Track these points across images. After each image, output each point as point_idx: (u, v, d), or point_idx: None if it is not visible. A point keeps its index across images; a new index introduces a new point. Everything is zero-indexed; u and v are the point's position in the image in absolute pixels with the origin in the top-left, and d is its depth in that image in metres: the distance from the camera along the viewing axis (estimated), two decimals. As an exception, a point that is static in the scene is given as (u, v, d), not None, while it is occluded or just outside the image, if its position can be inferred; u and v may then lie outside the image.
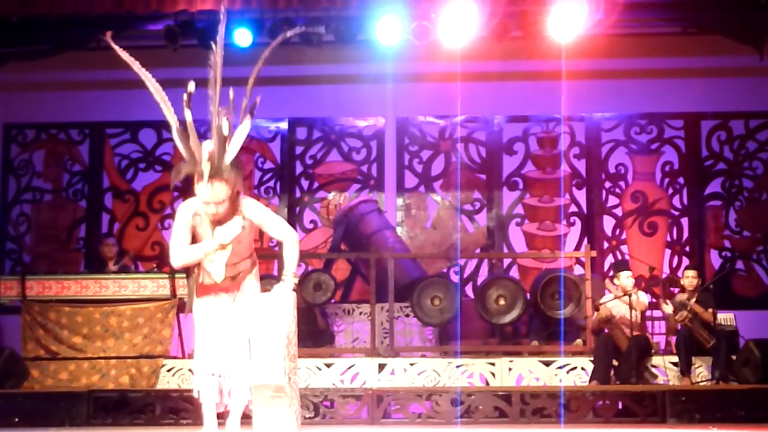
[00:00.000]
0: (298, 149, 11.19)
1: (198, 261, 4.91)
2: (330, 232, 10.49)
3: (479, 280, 10.46)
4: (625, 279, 8.52)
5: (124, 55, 4.76)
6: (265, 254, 9.49)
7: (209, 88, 4.70)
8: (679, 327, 8.35)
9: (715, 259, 10.72)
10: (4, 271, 10.84)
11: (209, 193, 4.69)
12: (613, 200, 10.90)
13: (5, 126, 11.26)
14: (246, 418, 5.04)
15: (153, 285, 8.89)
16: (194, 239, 4.91)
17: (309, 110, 10.99)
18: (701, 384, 8.14)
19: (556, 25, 9.31)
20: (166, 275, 8.84)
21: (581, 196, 10.92)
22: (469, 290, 10.57)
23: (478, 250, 10.96)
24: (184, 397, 7.44)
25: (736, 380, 8.05)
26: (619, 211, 10.90)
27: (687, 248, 10.76)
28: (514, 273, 10.59)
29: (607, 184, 10.92)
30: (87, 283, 8.96)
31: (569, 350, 8.63)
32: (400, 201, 11.02)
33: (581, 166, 10.96)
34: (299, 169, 11.17)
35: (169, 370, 8.64)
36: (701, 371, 8.30)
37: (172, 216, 4.84)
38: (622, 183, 10.92)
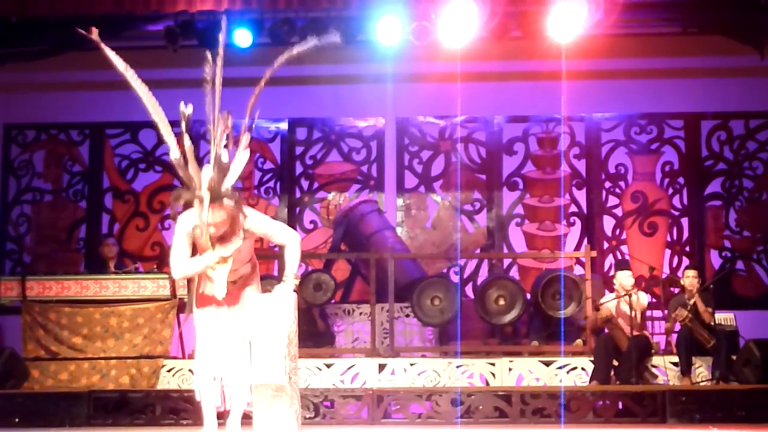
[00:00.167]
0: (298, 149, 11.20)
1: (199, 273, 4.95)
2: (330, 233, 10.49)
3: (479, 281, 10.46)
4: (624, 278, 8.52)
5: (118, 61, 4.76)
6: (266, 255, 9.49)
7: (207, 112, 4.72)
8: (678, 327, 8.35)
9: (715, 260, 10.72)
10: (4, 271, 10.84)
11: (209, 218, 4.72)
12: (613, 200, 10.90)
13: (5, 126, 11.26)
14: (246, 418, 5.05)
15: (153, 285, 8.89)
16: (195, 250, 4.93)
17: (309, 110, 11.00)
18: (701, 384, 8.13)
19: (556, 25, 9.31)
20: (166, 275, 8.83)
21: (581, 196, 10.92)
22: (469, 290, 10.56)
23: (478, 251, 10.96)
24: (185, 397, 7.44)
25: (737, 380, 8.05)
26: (619, 211, 10.90)
27: (687, 248, 10.76)
28: (514, 273, 10.59)
29: (607, 184, 10.92)
30: (87, 284, 8.95)
31: (569, 350, 8.63)
32: (400, 201, 11.02)
33: (581, 166, 10.96)
34: (299, 169, 11.18)
35: (169, 371, 8.64)
36: (701, 371, 8.30)
37: (171, 216, 4.83)
38: (622, 183, 10.92)
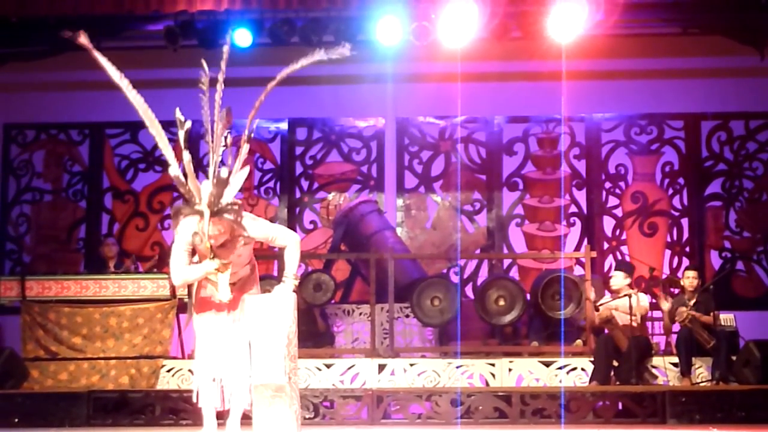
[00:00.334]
0: (298, 150, 11.19)
1: (199, 279, 4.96)
2: (330, 233, 10.48)
3: (479, 281, 10.46)
4: (615, 279, 8.51)
5: (112, 70, 4.76)
6: (265, 255, 9.49)
7: (205, 129, 4.73)
8: (678, 327, 8.34)
9: (715, 260, 10.72)
10: (3, 271, 10.84)
11: (210, 231, 4.73)
12: (613, 201, 10.90)
13: (5, 126, 11.26)
14: (246, 418, 5.04)
15: (153, 285, 8.90)
16: (195, 252, 4.96)
17: (309, 111, 10.99)
18: (701, 385, 8.13)
19: (557, 26, 9.31)
20: (166, 276, 8.82)
21: (581, 196, 10.92)
22: (469, 291, 10.56)
23: (478, 251, 10.96)
24: (184, 397, 7.44)
25: (737, 381, 8.05)
26: (619, 212, 10.89)
27: (687, 249, 10.75)
28: (514, 273, 10.59)
29: (607, 185, 10.92)
30: (87, 284, 8.96)
31: (569, 351, 8.62)
32: (400, 201, 11.02)
33: (581, 166, 10.96)
34: (299, 169, 11.17)
35: (168, 371, 8.64)
36: (701, 372, 8.30)
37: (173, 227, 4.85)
38: (622, 183, 10.92)
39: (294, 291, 4.99)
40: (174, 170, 4.75)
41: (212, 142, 4.78)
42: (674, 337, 8.57)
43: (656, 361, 8.38)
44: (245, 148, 4.85)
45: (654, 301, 9.17)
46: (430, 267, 10.44)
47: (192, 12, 9.39)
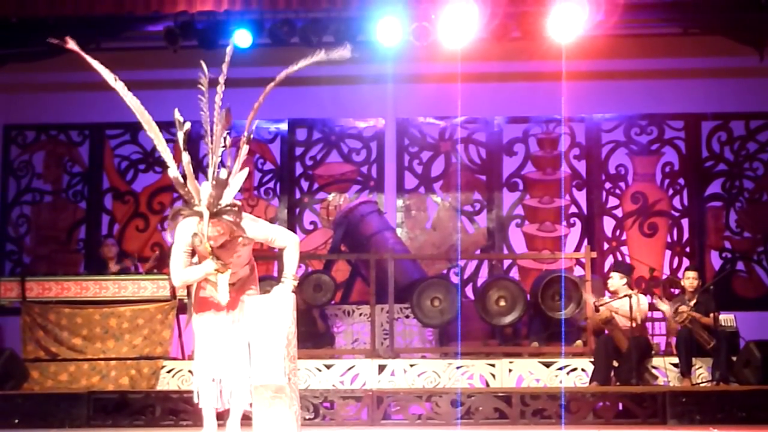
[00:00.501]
0: (298, 150, 11.19)
1: (198, 280, 4.96)
2: (330, 234, 10.48)
3: (479, 281, 10.45)
4: (614, 280, 8.50)
5: (106, 73, 4.76)
6: (265, 256, 9.48)
7: (204, 129, 4.74)
8: (679, 328, 8.34)
9: (715, 260, 10.71)
10: (4, 272, 10.83)
11: (209, 232, 4.73)
12: (613, 201, 10.89)
13: (5, 127, 11.25)
14: (246, 419, 5.04)
15: (153, 286, 8.89)
16: (194, 252, 4.96)
17: (309, 111, 10.99)
18: (702, 385, 8.13)
19: (557, 26, 9.31)
20: (166, 276, 8.82)
21: (581, 197, 10.91)
22: (469, 291, 10.55)
23: (478, 251, 10.95)
24: (184, 398, 7.44)
25: (737, 381, 8.04)
26: (619, 212, 10.89)
27: (687, 249, 10.75)
28: (514, 274, 10.59)
29: (608, 185, 10.91)
30: (87, 285, 8.96)
31: (569, 351, 8.62)
32: (400, 202, 11.01)
33: (581, 167, 10.95)
34: (299, 170, 11.17)
35: (169, 372, 8.63)
36: (702, 372, 8.29)
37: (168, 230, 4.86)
38: (622, 184, 10.91)
39: (293, 291, 4.99)
40: (173, 171, 4.76)
41: (212, 143, 4.78)
42: (674, 337, 8.56)
43: (656, 361, 8.37)
44: (245, 149, 4.85)
45: (654, 301, 9.16)
46: (430, 267, 10.43)
47: (192, 13, 9.38)
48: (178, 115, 4.75)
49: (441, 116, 10.98)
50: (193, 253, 4.95)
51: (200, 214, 4.72)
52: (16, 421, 7.57)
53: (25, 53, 10.02)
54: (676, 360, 8.28)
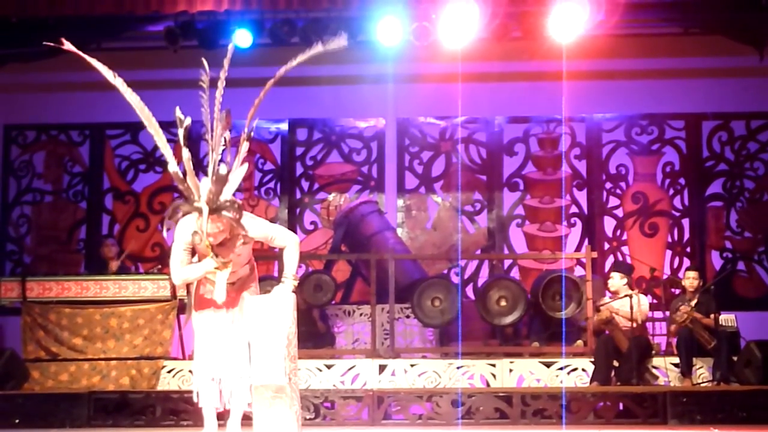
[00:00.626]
0: (299, 150, 11.19)
1: (198, 278, 4.96)
2: (330, 234, 10.48)
3: (480, 282, 10.45)
4: (615, 280, 8.50)
5: (105, 71, 4.76)
6: (266, 256, 9.48)
7: (205, 120, 4.74)
8: (679, 328, 8.33)
9: (716, 260, 10.71)
10: (4, 272, 10.83)
11: (208, 228, 4.73)
12: (613, 201, 10.89)
13: (5, 127, 11.25)
14: (246, 419, 5.04)
15: (153, 286, 8.89)
16: (194, 251, 4.95)
17: (309, 111, 10.99)
18: (702, 385, 8.12)
19: (557, 26, 9.30)
20: (167, 276, 8.82)
21: (582, 197, 10.91)
22: (469, 291, 10.56)
23: (478, 251, 10.95)
24: (185, 398, 7.43)
25: (737, 381, 8.04)
26: (619, 212, 10.89)
27: (688, 249, 10.75)
28: (515, 274, 10.58)
29: (608, 185, 10.91)
30: (87, 285, 8.95)
31: (570, 351, 8.62)
32: (400, 202, 11.01)
33: (582, 166, 10.95)
34: (299, 170, 11.17)
35: (169, 372, 8.63)
36: (702, 372, 8.29)
37: (167, 227, 4.84)
38: (622, 184, 10.91)
39: (294, 291, 4.99)
40: (173, 166, 4.75)
41: (212, 139, 4.78)
42: (675, 337, 8.56)
43: (657, 361, 8.37)
44: (245, 146, 4.85)
45: (655, 301, 9.16)
46: (431, 267, 10.43)
47: (192, 12, 9.38)
48: (179, 113, 4.75)
49: (441, 116, 10.98)
50: (193, 252, 4.95)
51: (200, 210, 4.71)
52: (17, 421, 7.56)
53: (25, 53, 10.01)
54: (676, 360, 8.28)
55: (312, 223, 11.08)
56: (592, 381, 8.22)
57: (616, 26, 9.56)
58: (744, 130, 10.84)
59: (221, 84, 4.76)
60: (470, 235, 10.96)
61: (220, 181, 4.73)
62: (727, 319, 9.08)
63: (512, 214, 10.95)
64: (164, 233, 4.90)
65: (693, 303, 8.32)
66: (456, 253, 10.56)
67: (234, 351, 4.96)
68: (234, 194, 4.81)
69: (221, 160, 4.79)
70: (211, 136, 4.78)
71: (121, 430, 7.50)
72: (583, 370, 8.42)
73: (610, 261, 10.53)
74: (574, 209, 10.89)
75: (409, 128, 11.10)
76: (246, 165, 4.89)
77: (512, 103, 10.86)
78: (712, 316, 8.30)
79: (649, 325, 9.05)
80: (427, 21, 9.43)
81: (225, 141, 4.80)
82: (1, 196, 11.16)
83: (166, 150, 4.79)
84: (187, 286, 5.12)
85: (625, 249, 10.76)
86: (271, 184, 11.15)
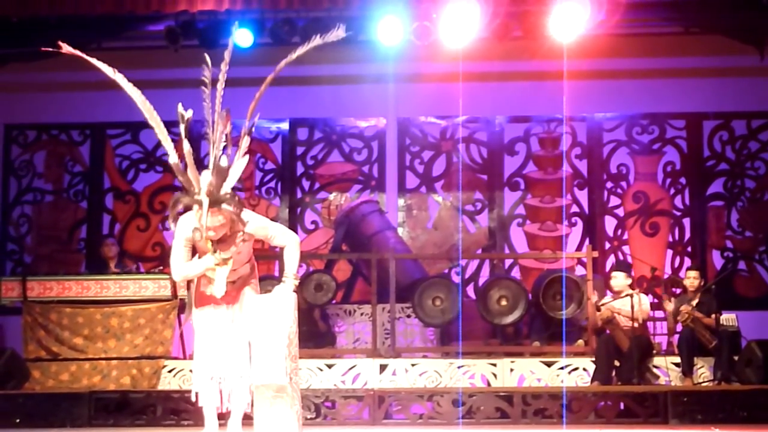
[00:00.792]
0: (299, 150, 11.19)
1: (199, 275, 4.96)
2: (331, 233, 10.48)
3: (481, 281, 10.45)
4: (618, 279, 8.50)
5: (105, 66, 4.76)
6: (266, 255, 9.48)
7: (206, 116, 4.73)
8: (680, 327, 8.33)
9: (717, 260, 10.71)
10: (5, 272, 10.84)
11: (209, 222, 4.73)
12: (614, 200, 10.89)
13: (6, 127, 11.25)
14: (247, 418, 5.04)
15: (154, 286, 8.89)
16: (195, 250, 4.95)
17: (310, 111, 10.99)
18: (703, 384, 8.12)
19: (558, 26, 9.30)
20: (167, 276, 8.82)
21: (583, 196, 10.91)
22: (470, 291, 10.56)
23: (479, 251, 10.95)
24: (186, 398, 7.41)
25: (738, 381, 8.04)
26: (620, 212, 10.88)
27: (689, 249, 10.74)
28: (516, 274, 10.58)
29: (609, 185, 10.91)
30: (88, 284, 8.95)
31: (571, 351, 8.62)
32: (401, 201, 11.01)
33: (583, 166, 10.95)
34: (300, 169, 11.17)
35: (170, 371, 8.63)
36: (703, 372, 8.29)
37: (171, 219, 4.84)
38: (623, 183, 10.91)
39: (294, 291, 4.98)
40: (174, 158, 4.75)
41: (213, 133, 4.77)
42: (676, 336, 8.56)
43: (658, 361, 8.37)
44: (246, 140, 4.84)
45: (656, 301, 9.16)
46: (432, 267, 10.44)
47: (193, 12, 9.38)
48: (180, 109, 4.74)
49: (442, 116, 10.98)
50: (194, 251, 4.95)
51: (200, 203, 4.71)
52: (18, 420, 7.56)
53: (26, 53, 10.01)
54: (677, 359, 8.28)
55: (313, 222, 11.08)
56: (593, 380, 8.22)
57: (617, 26, 9.56)
58: (745, 130, 10.84)
59: (222, 77, 4.76)
60: (471, 234, 10.95)
61: (221, 173, 4.73)
62: (728, 318, 9.08)
63: (513, 214, 10.95)
64: (171, 226, 4.86)
65: (694, 302, 8.32)
66: (457, 252, 10.56)
67: (234, 349, 4.95)
68: (234, 185, 4.80)
69: (222, 155, 4.79)
70: (213, 129, 4.77)
71: (122, 430, 7.50)
72: (584, 369, 8.42)
73: (611, 260, 10.53)
74: (574, 209, 10.89)
75: (409, 128, 11.10)
76: (247, 157, 4.87)
77: (513, 103, 10.86)
78: (713, 315, 8.29)
79: (649, 324, 9.05)
80: (427, 20, 9.43)
81: (226, 137, 4.80)
82: (1, 196, 11.17)
83: (167, 143, 4.77)
84: (188, 283, 5.11)
85: (626, 248, 10.75)
86: (272, 184, 11.15)
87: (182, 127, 4.74)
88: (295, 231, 9.06)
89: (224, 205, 4.73)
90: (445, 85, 10.36)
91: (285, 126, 11.14)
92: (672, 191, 10.86)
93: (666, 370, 8.30)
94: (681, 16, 10.03)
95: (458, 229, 10.83)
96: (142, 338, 8.76)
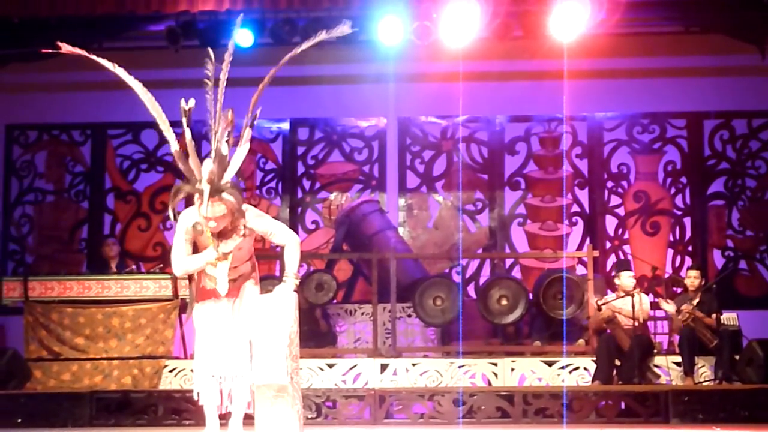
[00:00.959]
0: (300, 149, 11.19)
1: (199, 270, 4.96)
2: (332, 233, 10.48)
3: (481, 281, 10.45)
4: (626, 279, 8.50)
5: (104, 61, 4.77)
6: (267, 255, 9.48)
7: (209, 109, 4.74)
8: (681, 326, 8.33)
9: (717, 259, 10.71)
10: (6, 272, 10.84)
11: (210, 212, 4.74)
12: (615, 200, 10.89)
13: (7, 127, 11.26)
14: (248, 418, 5.04)
15: (155, 286, 8.89)
16: (195, 247, 4.95)
17: (311, 110, 10.99)
18: (704, 384, 8.12)
19: (558, 25, 9.30)
20: (168, 276, 8.83)
21: (583, 195, 10.91)
22: (471, 290, 10.56)
23: (480, 250, 10.95)
24: (187, 397, 7.43)
25: (739, 380, 8.04)
26: (621, 211, 10.88)
27: (689, 248, 10.74)
28: (516, 273, 10.58)
29: (610, 184, 10.91)
30: (89, 284, 8.95)
31: (571, 350, 8.62)
32: (401, 201, 11.01)
33: (583, 165, 10.95)
34: (301, 169, 11.17)
35: (171, 371, 8.64)
36: (704, 371, 8.29)
37: (172, 209, 4.85)
38: (624, 183, 10.91)
39: (295, 291, 4.99)
40: (174, 146, 4.76)
41: (215, 124, 4.77)
42: (677, 336, 8.56)
43: (659, 360, 8.37)
44: (248, 132, 4.85)
45: (656, 300, 9.15)
46: (432, 267, 10.44)
47: (193, 12, 9.39)
48: (183, 103, 4.75)
49: (443, 115, 10.98)
50: (195, 248, 4.95)
51: (201, 192, 4.71)
52: (19, 420, 7.57)
53: (27, 53, 10.01)
54: (678, 359, 8.28)
55: (313, 222, 11.09)
56: (593, 380, 8.22)
57: (618, 25, 9.56)
58: (745, 129, 10.83)
59: (224, 75, 4.76)
60: (471, 234, 10.96)
61: (222, 161, 4.74)
62: (729, 317, 9.08)
63: (513, 213, 10.95)
64: (171, 216, 4.86)
65: (695, 302, 8.32)
66: (457, 252, 10.56)
67: (235, 345, 4.95)
68: (234, 174, 4.81)
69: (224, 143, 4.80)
70: (215, 120, 4.77)
71: (123, 430, 7.50)
72: (585, 369, 8.43)
73: (611, 260, 10.52)
74: (575, 208, 10.89)
75: (410, 127, 11.10)
76: (248, 145, 4.87)
77: (513, 102, 10.86)
78: (714, 315, 8.30)
79: (650, 323, 9.05)
80: (428, 20, 9.43)
81: (228, 135, 4.81)
82: (3, 196, 11.17)
83: (168, 133, 4.78)
84: (189, 278, 5.12)
85: (626, 248, 10.75)
86: (273, 184, 11.16)
87: (184, 117, 4.74)
88: (296, 231, 9.07)
89: (225, 194, 4.74)
90: (445, 85, 10.36)
91: (286, 126, 11.14)
92: (673, 190, 10.86)
93: (667, 370, 8.30)
94: (681, 15, 10.03)
95: (459, 228, 10.83)
96: (144, 338, 8.77)
